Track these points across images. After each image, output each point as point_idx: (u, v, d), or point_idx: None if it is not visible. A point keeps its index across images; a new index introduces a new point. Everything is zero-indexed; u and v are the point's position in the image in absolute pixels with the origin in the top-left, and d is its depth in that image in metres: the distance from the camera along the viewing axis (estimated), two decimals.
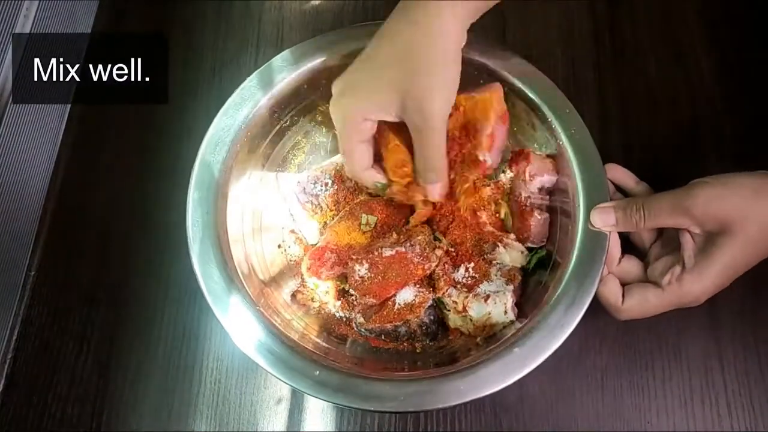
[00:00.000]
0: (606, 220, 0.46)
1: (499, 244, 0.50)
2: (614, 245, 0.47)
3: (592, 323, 0.54)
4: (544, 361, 0.48)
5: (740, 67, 0.64)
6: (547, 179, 0.52)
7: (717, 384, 0.52)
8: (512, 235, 0.52)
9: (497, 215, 0.53)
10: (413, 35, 0.43)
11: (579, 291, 0.44)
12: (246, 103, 0.52)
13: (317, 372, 0.43)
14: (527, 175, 0.51)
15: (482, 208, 0.52)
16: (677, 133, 0.62)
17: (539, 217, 0.51)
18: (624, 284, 0.48)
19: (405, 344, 0.50)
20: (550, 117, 0.50)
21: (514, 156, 0.54)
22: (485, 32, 0.67)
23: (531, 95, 0.51)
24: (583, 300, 0.44)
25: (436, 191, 0.48)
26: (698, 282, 0.44)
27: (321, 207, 0.55)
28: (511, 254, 0.50)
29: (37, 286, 0.57)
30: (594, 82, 0.64)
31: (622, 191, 0.52)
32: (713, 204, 0.43)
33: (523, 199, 0.52)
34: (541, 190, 0.52)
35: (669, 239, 0.48)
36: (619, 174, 0.51)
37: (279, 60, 0.53)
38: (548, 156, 0.52)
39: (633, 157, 0.60)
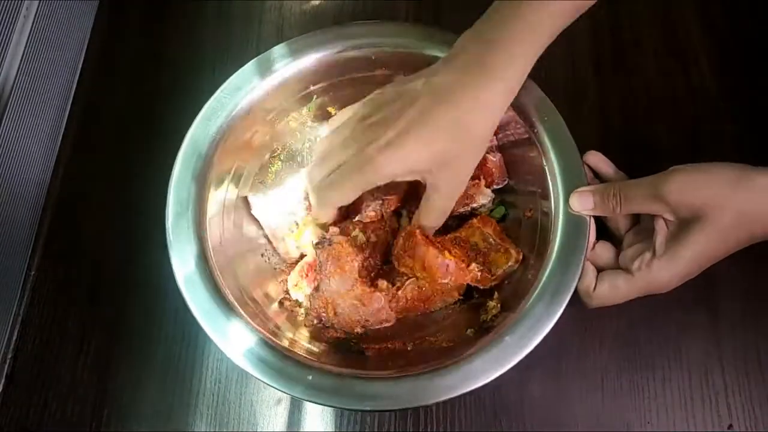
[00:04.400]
0: (584, 203, 0.47)
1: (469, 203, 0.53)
2: (590, 231, 0.48)
3: (592, 323, 0.54)
4: (543, 358, 0.48)
5: (740, 67, 0.64)
6: None
7: (717, 384, 0.52)
8: (481, 182, 0.54)
9: None
10: (473, 109, 0.44)
11: (564, 278, 0.45)
12: (220, 112, 0.51)
13: (310, 377, 0.43)
14: None
15: None
16: (677, 133, 0.62)
17: (494, 159, 0.54)
18: (597, 270, 0.48)
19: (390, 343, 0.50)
20: (523, 105, 0.50)
21: None
22: None
23: None
24: (568, 286, 0.44)
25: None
26: (667, 269, 0.44)
27: (297, 225, 0.55)
28: (482, 201, 0.53)
29: (37, 286, 0.57)
30: (594, 82, 0.64)
31: (602, 180, 0.52)
32: (688, 191, 0.43)
33: None
34: None
35: (645, 226, 0.49)
36: (598, 161, 0.52)
37: (252, 65, 0.53)
38: None
39: (633, 156, 0.60)
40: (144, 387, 0.54)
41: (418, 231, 0.48)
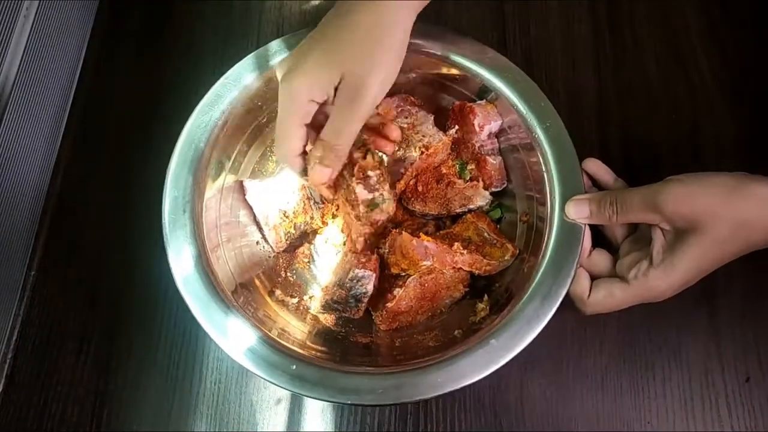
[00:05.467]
0: (580, 212, 0.47)
1: (466, 205, 0.54)
2: (585, 238, 0.48)
3: (592, 324, 0.54)
4: (544, 358, 0.48)
5: (740, 67, 0.64)
6: (494, 125, 0.54)
7: (717, 384, 0.52)
8: (480, 184, 0.55)
9: (454, 169, 0.56)
10: (365, 20, 0.43)
11: (555, 283, 0.45)
12: (221, 101, 0.51)
13: (294, 366, 0.43)
14: (476, 126, 0.53)
15: (444, 172, 0.55)
16: (677, 133, 0.62)
17: (494, 162, 0.55)
18: (593, 277, 0.48)
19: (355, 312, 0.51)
20: (525, 110, 0.50)
21: (457, 112, 0.55)
22: (485, 34, 0.67)
23: (505, 88, 0.51)
24: (558, 292, 0.44)
25: (322, 175, 0.45)
26: (664, 278, 0.44)
27: (287, 216, 0.55)
28: (479, 203, 0.54)
29: (37, 286, 0.57)
30: (594, 82, 0.64)
31: (600, 188, 0.52)
32: (684, 202, 0.43)
33: (477, 149, 0.55)
34: (489, 135, 0.55)
35: (641, 235, 0.49)
36: (597, 168, 0.52)
37: (253, 57, 0.53)
38: (488, 102, 0.54)
39: (633, 157, 0.60)
40: (144, 387, 0.54)
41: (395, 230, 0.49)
